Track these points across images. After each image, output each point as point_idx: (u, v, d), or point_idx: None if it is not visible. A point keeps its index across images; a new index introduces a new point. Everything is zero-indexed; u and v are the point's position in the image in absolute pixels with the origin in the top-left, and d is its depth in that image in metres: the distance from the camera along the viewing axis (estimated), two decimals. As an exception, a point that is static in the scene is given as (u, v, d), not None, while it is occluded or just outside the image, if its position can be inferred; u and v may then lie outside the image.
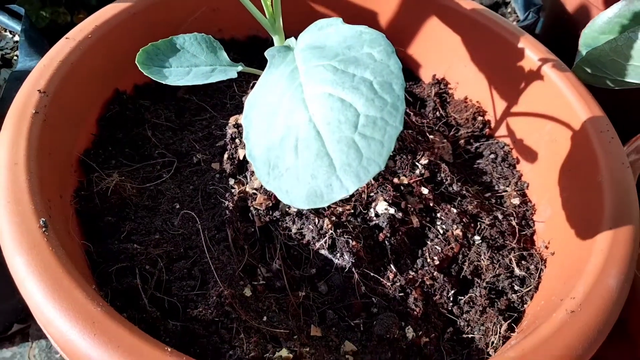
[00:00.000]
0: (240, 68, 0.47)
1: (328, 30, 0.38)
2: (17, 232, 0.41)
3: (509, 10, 1.14)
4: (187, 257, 0.50)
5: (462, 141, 0.71)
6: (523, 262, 0.57)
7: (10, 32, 0.85)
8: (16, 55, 0.81)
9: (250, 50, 0.74)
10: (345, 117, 0.33)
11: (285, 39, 0.47)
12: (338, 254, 0.53)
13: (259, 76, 0.41)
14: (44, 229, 0.42)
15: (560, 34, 1.08)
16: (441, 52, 0.73)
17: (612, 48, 0.59)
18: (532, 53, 0.63)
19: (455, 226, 0.58)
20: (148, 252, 0.49)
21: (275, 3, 0.47)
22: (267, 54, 0.40)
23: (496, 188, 0.66)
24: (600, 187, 0.52)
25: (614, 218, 0.48)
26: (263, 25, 0.49)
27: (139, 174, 0.58)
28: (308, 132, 0.34)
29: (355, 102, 0.33)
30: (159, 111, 0.64)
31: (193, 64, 0.46)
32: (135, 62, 0.44)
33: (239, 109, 0.64)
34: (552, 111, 0.61)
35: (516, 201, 0.64)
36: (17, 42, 0.84)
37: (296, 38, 0.64)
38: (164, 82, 0.43)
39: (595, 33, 0.68)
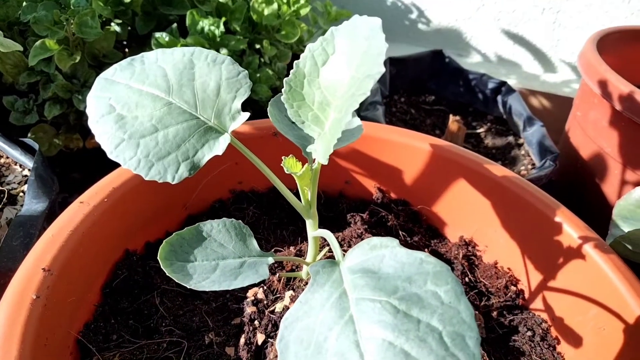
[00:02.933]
0: (271, 260, 0.42)
1: (382, 252, 0.34)
2: None
3: (523, 152, 1.15)
4: None
5: (494, 312, 0.65)
6: None
7: (20, 165, 0.82)
8: (22, 192, 0.78)
9: (271, 203, 0.71)
10: (410, 378, 0.28)
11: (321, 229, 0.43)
12: None
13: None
14: None
15: (575, 181, 1.07)
16: (469, 213, 0.70)
17: (658, 232, 0.56)
18: (571, 229, 0.60)
19: None
20: None
21: (312, 192, 0.44)
22: (311, 269, 0.35)
23: (537, 373, 0.59)
24: (668, 402, 0.45)
25: None
26: (298, 210, 0.46)
27: (142, 354, 0.51)
28: (364, 389, 0.28)
29: (422, 358, 0.28)
30: (170, 274, 0.59)
31: (220, 257, 0.41)
32: (158, 257, 0.40)
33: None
34: (598, 296, 0.56)
35: (562, 393, 0.57)
36: (25, 176, 0.81)
37: (320, 200, 0.60)
38: (187, 286, 0.38)
39: (632, 206, 0.65)
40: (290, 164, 0.41)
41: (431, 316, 0.30)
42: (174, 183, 0.40)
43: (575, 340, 0.59)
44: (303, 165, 0.42)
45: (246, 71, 0.44)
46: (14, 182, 0.79)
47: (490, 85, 1.22)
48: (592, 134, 1.01)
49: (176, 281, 0.38)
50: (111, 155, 0.41)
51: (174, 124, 0.41)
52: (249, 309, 0.53)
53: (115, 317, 0.54)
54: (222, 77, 0.44)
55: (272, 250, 0.61)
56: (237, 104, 0.43)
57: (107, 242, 0.55)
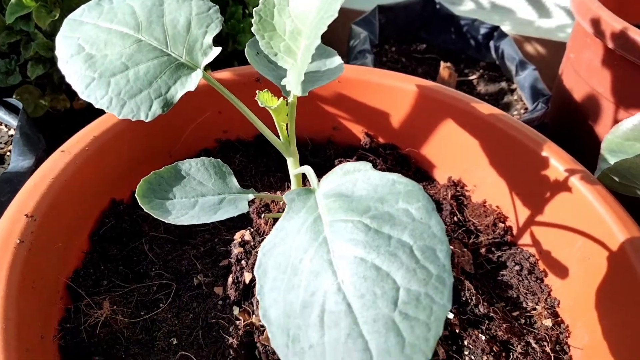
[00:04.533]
0: (251, 196, 0.42)
1: (355, 176, 0.34)
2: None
3: (515, 97, 1.13)
4: (185, 409, 0.44)
5: (483, 249, 0.66)
6: (564, 402, 0.51)
7: (5, 125, 0.82)
8: (9, 151, 0.77)
9: (258, 151, 0.71)
10: (382, 290, 0.28)
11: (302, 166, 0.43)
12: (357, 400, 0.46)
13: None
14: (18, 397, 0.35)
15: (569, 124, 1.06)
16: (457, 154, 0.69)
17: (644, 161, 0.56)
18: (557, 162, 0.60)
19: (485, 357, 0.52)
20: (140, 404, 0.43)
21: (291, 127, 0.43)
22: (286, 197, 0.35)
23: (524, 305, 0.60)
24: (649, 322, 0.46)
25: (673, 365, 0.43)
26: (276, 146, 0.45)
27: (132, 297, 0.52)
28: (337, 304, 0.29)
29: (393, 271, 0.28)
30: (158, 222, 0.59)
31: (199, 194, 0.41)
32: (136, 195, 0.40)
33: (245, 221, 0.59)
34: (584, 226, 0.57)
35: (548, 322, 0.58)
36: (11, 136, 0.80)
37: (310, 151, 0.60)
38: (166, 221, 0.38)
39: (619, 139, 0.65)
40: (265, 98, 0.40)
41: (402, 232, 0.30)
42: (147, 121, 0.40)
43: (562, 271, 0.60)
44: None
45: (217, 6, 0.43)
46: (1, 142, 0.79)
47: (483, 30, 1.19)
48: (584, 75, 0.99)
49: (155, 217, 0.39)
50: (83, 95, 0.40)
51: (144, 61, 0.41)
52: (236, 250, 0.53)
53: (105, 263, 0.55)
54: (192, 13, 0.43)
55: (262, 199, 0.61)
56: (209, 39, 0.42)
57: (92, 191, 0.55)
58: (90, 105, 0.40)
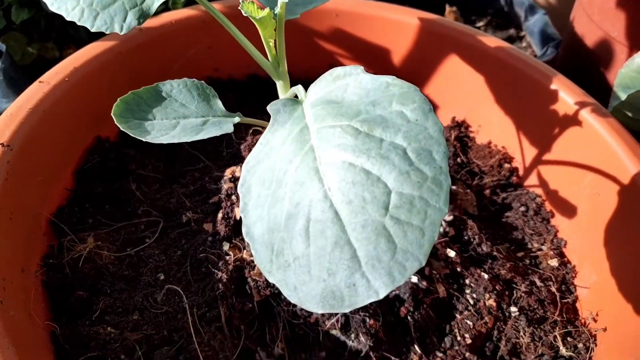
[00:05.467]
0: (237, 119, 0.39)
1: (346, 81, 0.31)
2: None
3: (524, 44, 1.08)
4: (172, 342, 0.42)
5: (487, 191, 0.63)
6: (569, 338, 0.49)
7: (-10, 69, 0.79)
8: (-6, 96, 0.74)
9: (250, 90, 0.67)
10: (371, 195, 0.25)
11: (291, 85, 0.40)
12: (353, 335, 0.44)
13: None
14: (-10, 321, 0.34)
15: (580, 69, 1.01)
16: (461, 92, 0.66)
17: (660, 91, 0.52)
18: (567, 95, 0.56)
19: (487, 295, 0.50)
20: (124, 337, 0.41)
21: (279, 45, 0.40)
22: (271, 108, 0.32)
23: (529, 246, 0.58)
24: (662, 255, 0.44)
25: (686, 296, 0.40)
26: (265, 68, 0.42)
27: (119, 235, 0.50)
28: (323, 212, 0.26)
29: (384, 175, 0.26)
30: (146, 160, 0.57)
31: (181, 115, 0.39)
32: (112, 114, 0.37)
33: (236, 158, 0.57)
34: (594, 161, 0.54)
35: (554, 262, 0.55)
36: (-4, 80, 0.77)
37: (304, 85, 0.56)
38: (144, 140, 0.36)
39: (634, 73, 0.61)
40: (250, 8, 0.37)
41: (395, 134, 0.27)
42: (122, 33, 0.37)
43: (570, 210, 0.57)
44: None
45: None
46: (-14, 86, 0.76)
47: (491, -26, 1.13)
48: (597, 18, 0.94)
49: (132, 136, 0.36)
50: (52, 7, 0.37)
51: (116, -34, 0.37)
52: (226, 185, 0.51)
53: (90, 201, 0.52)
54: None
55: (251, 131, 0.58)
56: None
57: (74, 125, 0.52)
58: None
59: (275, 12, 0.38)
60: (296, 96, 0.36)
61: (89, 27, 0.37)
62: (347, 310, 0.24)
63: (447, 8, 1.03)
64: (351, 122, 0.28)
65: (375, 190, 0.25)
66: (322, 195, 0.27)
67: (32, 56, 0.91)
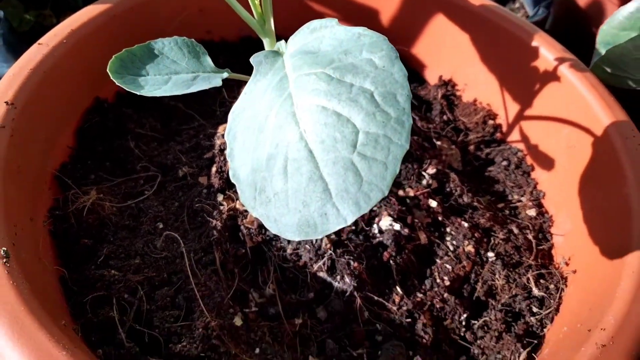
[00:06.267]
0: (225, 75, 0.42)
1: (322, 33, 0.33)
2: (-27, 265, 0.36)
3: (517, 5, 1.09)
4: (171, 283, 0.46)
5: (471, 147, 0.66)
6: (542, 280, 0.52)
7: (-10, 36, 0.80)
8: (-5, 61, 0.77)
9: (242, 52, 0.69)
10: (341, 135, 0.28)
11: (278, 42, 0.42)
12: (338, 277, 0.48)
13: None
14: (4, 260, 0.37)
15: (571, 30, 1.02)
16: (448, 51, 0.68)
17: (636, 46, 0.54)
18: (548, 52, 0.58)
19: (466, 242, 0.53)
20: (127, 278, 0.45)
21: (264, 2, 0.42)
22: (253, 60, 0.35)
23: (510, 198, 0.61)
24: (627, 199, 0.47)
25: (645, 236, 0.43)
26: (252, 26, 0.44)
27: (120, 190, 0.53)
28: (299, 152, 0.29)
29: (353, 116, 0.28)
30: (143, 120, 0.60)
31: (173, 71, 0.41)
32: (107, 70, 0.39)
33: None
34: (570, 114, 0.56)
35: (532, 212, 0.59)
36: (-4, 46, 0.79)
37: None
38: (138, 93, 0.38)
39: (615, 30, 0.62)
40: (234, -34, 0.39)
41: (364, 80, 0.29)
42: (114, -8, 0.39)
43: (548, 163, 0.60)
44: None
45: None
46: (-14, 53, 0.78)
47: None
48: (589, -24, 0.94)
49: (127, 89, 0.38)
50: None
51: None
52: (219, 142, 0.53)
53: (92, 159, 0.55)
54: None
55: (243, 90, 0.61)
56: None
57: (74, 86, 0.55)
58: None
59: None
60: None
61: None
62: (320, 236, 0.28)
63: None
64: (325, 70, 0.30)
65: (345, 130, 0.28)
66: (298, 136, 0.29)
67: (30, 23, 0.93)
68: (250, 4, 0.42)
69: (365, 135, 0.28)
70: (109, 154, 0.56)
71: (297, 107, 0.30)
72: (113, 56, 0.40)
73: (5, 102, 0.46)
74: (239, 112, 0.34)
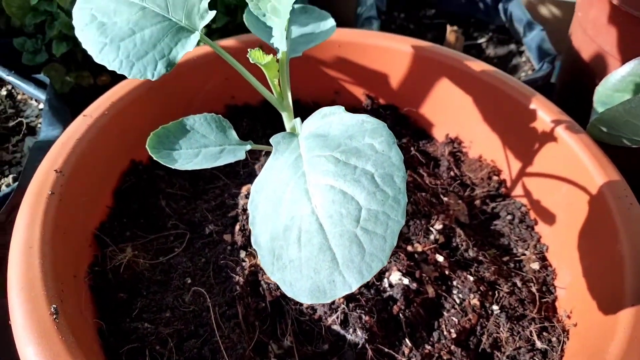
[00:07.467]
0: (248, 147, 0.47)
1: (331, 119, 0.38)
2: (28, 320, 0.41)
3: (524, 59, 1.14)
4: (198, 335, 0.50)
5: (477, 201, 0.70)
6: (544, 333, 0.55)
7: (36, 100, 0.89)
8: (40, 123, 0.85)
9: (263, 114, 0.76)
10: (347, 211, 0.33)
11: (295, 114, 0.48)
12: (351, 330, 0.51)
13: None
14: (54, 316, 0.42)
15: (577, 83, 1.07)
16: (453, 111, 0.73)
17: (627, 110, 0.58)
18: (545, 114, 0.62)
19: (472, 295, 0.56)
20: (159, 331, 0.49)
21: (282, 82, 0.48)
22: (273, 140, 0.40)
23: (514, 251, 0.64)
24: (620, 256, 0.50)
25: (637, 292, 0.46)
26: (271, 102, 0.50)
27: (152, 246, 0.58)
28: (311, 225, 0.34)
29: (356, 195, 0.33)
30: (173, 180, 0.65)
31: (203, 145, 0.47)
32: (146, 146, 0.45)
33: (251, 177, 0.65)
34: (568, 174, 0.60)
35: (536, 266, 0.62)
36: (41, 109, 0.87)
37: (311, 110, 0.65)
38: (172, 167, 0.44)
39: (609, 91, 0.67)
40: (256, 55, 0.45)
41: (366, 162, 0.34)
42: (154, 79, 0.45)
43: (550, 218, 0.63)
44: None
45: (213, -25, 0.47)
46: (32, 116, 0.86)
47: (491, -7, 1.19)
48: (591, 33, 0.99)
49: (163, 164, 0.44)
50: (97, 59, 0.46)
51: (148, 26, 0.46)
52: (242, 202, 0.59)
53: (127, 217, 0.61)
54: (190, -18, 0.47)
55: (264, 152, 0.66)
56: (205, 4, 0.47)
57: (113, 152, 0.61)
58: (112, 81, 0.46)
59: (278, 57, 0.46)
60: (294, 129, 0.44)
61: (126, 75, 0.45)
62: (328, 301, 0.32)
63: (448, 28, 1.10)
64: (333, 153, 0.36)
65: (350, 207, 0.33)
66: (310, 211, 0.34)
67: (70, 84, 1.02)
68: (270, 84, 0.48)
69: (367, 211, 0.32)
70: (142, 212, 0.62)
71: (309, 185, 0.35)
72: (151, 133, 0.46)
73: (55, 170, 0.52)
74: (261, 185, 0.39)
